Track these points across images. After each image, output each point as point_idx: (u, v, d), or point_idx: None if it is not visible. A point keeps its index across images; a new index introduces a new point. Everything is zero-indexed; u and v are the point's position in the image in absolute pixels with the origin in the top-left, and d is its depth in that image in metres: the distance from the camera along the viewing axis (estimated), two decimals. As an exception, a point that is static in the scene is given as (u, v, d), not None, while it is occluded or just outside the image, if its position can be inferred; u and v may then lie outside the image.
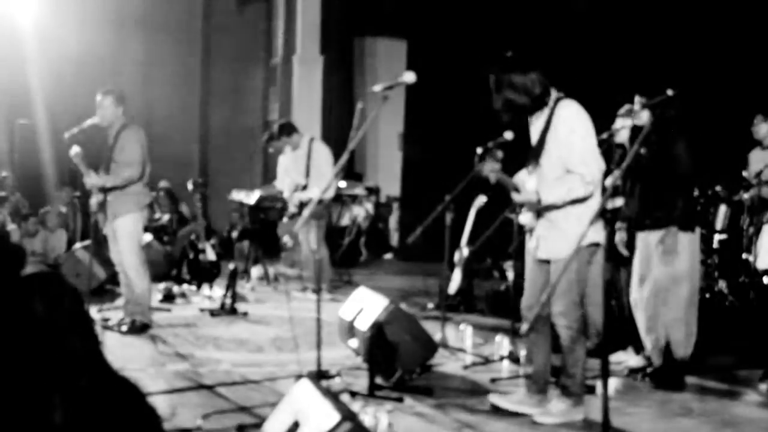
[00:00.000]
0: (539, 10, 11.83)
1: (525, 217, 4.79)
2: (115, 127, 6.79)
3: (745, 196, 7.23)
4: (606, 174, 4.78)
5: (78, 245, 9.04)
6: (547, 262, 4.67)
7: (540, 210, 4.63)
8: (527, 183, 4.67)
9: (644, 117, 5.45)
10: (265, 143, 9.91)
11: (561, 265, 4.46)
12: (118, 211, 6.74)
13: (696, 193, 6.74)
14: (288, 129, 9.13)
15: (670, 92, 4.30)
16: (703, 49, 9.93)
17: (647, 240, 5.59)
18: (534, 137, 4.72)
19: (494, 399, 4.89)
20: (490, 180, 4.75)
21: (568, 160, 4.49)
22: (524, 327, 4.54)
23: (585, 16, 11.33)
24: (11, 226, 9.78)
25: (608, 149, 5.95)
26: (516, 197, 4.70)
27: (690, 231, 5.51)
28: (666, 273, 5.50)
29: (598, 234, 4.57)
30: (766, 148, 7.70)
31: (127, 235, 6.75)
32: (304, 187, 8.98)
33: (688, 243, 5.52)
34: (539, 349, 4.81)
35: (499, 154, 5.52)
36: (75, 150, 6.70)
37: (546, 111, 4.64)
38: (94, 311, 7.21)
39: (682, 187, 5.49)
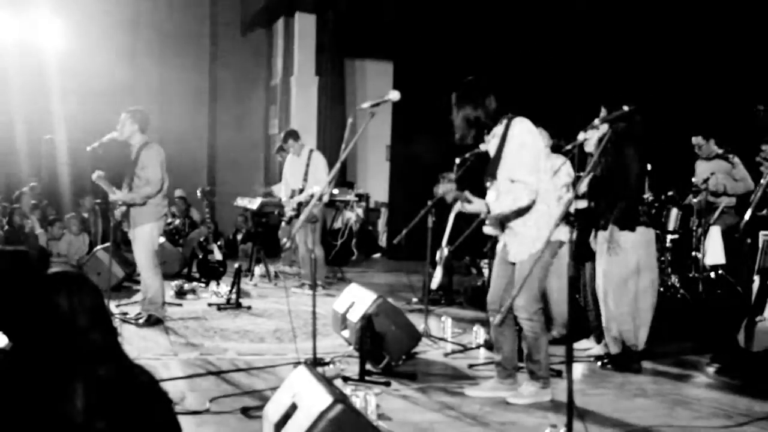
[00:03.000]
0: (515, 33, 11.87)
1: (488, 229, 4.81)
2: (136, 144, 6.77)
3: (694, 200, 7.26)
4: (576, 180, 4.78)
5: (99, 247, 9.01)
6: (513, 263, 4.68)
7: (494, 220, 4.64)
8: (487, 196, 4.66)
9: (603, 129, 5.44)
10: (276, 152, 10.23)
11: (525, 266, 4.50)
12: (137, 220, 6.73)
13: (650, 197, 6.76)
14: (294, 135, 9.45)
15: (626, 108, 4.32)
16: (663, 70, 10.03)
17: (600, 239, 5.61)
18: (491, 152, 4.67)
19: (470, 392, 4.85)
20: (446, 200, 4.71)
21: (514, 171, 4.47)
22: (497, 318, 4.53)
23: (558, 37, 11.39)
24: (39, 231, 9.76)
25: (573, 158, 5.96)
26: (467, 207, 4.62)
27: (630, 230, 5.42)
28: (612, 270, 5.46)
29: (563, 233, 4.62)
30: (709, 159, 7.82)
31: (143, 242, 6.73)
32: (301, 191, 9.09)
33: (633, 242, 5.44)
34: (506, 338, 4.81)
35: (452, 175, 5.48)
36: (97, 173, 6.69)
37: (501, 128, 4.59)
38: (113, 306, 7.19)
39: (624, 191, 5.48)
